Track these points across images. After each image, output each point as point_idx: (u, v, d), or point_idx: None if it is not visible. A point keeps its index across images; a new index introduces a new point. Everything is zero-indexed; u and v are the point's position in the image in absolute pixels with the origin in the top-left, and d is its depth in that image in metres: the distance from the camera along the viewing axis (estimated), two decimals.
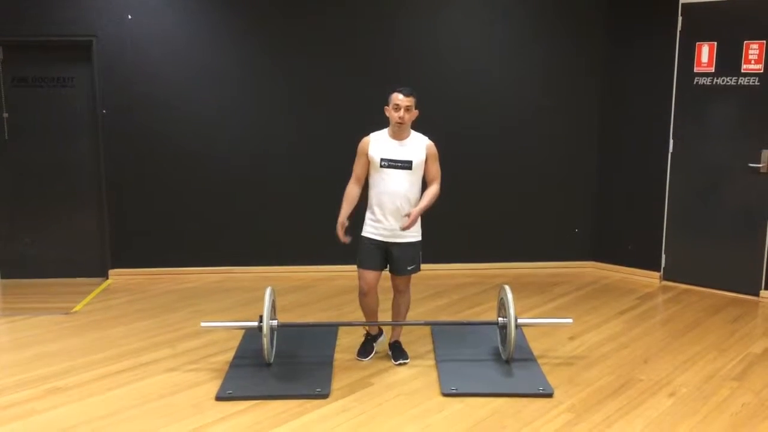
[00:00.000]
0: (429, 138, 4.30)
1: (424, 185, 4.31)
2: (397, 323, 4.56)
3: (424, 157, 4.22)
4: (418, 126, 4.31)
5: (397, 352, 4.47)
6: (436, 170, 4.28)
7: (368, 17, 6.23)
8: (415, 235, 4.29)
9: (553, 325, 5.00)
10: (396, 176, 4.18)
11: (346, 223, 4.26)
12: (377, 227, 4.25)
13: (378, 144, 4.22)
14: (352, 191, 4.30)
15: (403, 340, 4.58)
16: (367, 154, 4.23)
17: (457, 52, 6.31)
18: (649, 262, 6.27)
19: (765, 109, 5.56)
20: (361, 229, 4.33)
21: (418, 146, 4.23)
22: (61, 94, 6.20)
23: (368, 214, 4.31)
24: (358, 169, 4.29)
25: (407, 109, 4.12)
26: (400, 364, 4.39)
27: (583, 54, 6.38)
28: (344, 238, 4.26)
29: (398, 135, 4.20)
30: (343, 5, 6.21)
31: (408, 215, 4.12)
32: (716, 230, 5.91)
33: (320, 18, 6.19)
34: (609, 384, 4.10)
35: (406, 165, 4.18)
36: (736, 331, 5.01)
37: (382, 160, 4.18)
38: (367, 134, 4.29)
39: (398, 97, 4.11)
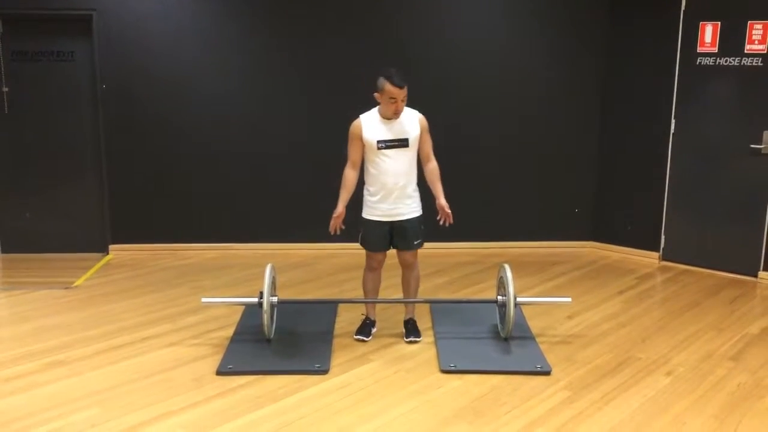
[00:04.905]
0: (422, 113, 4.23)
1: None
2: (399, 300, 4.59)
3: (418, 132, 4.17)
4: (420, 107, 4.25)
5: (410, 329, 4.47)
6: (429, 143, 4.26)
7: (375, 5, 6.19)
8: (416, 209, 4.31)
9: (552, 304, 5.02)
10: (395, 156, 4.14)
11: (344, 214, 4.22)
12: (381, 208, 4.24)
13: (371, 126, 4.13)
14: (350, 177, 4.22)
15: (402, 317, 4.59)
16: (361, 138, 4.14)
17: (459, 34, 6.26)
18: (648, 243, 6.28)
19: (767, 90, 5.54)
20: (358, 211, 4.30)
21: (411, 121, 4.16)
22: (61, 68, 6.17)
23: (368, 197, 4.27)
24: (353, 153, 4.19)
25: (403, 99, 4.04)
26: (410, 342, 4.38)
27: (585, 34, 6.34)
28: (338, 230, 4.25)
29: (391, 116, 4.12)
30: None
31: (443, 207, 4.22)
32: (716, 211, 5.91)
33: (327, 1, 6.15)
34: (607, 362, 4.12)
35: (403, 143, 4.14)
36: (734, 311, 5.04)
37: (378, 142, 4.11)
38: (356, 117, 4.20)
39: (395, 91, 3.97)
